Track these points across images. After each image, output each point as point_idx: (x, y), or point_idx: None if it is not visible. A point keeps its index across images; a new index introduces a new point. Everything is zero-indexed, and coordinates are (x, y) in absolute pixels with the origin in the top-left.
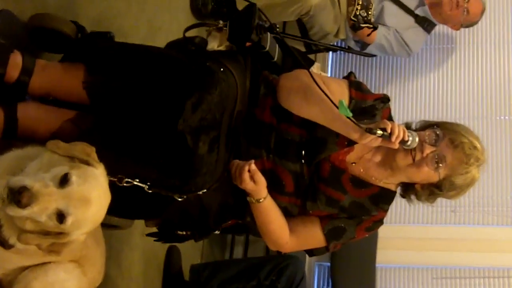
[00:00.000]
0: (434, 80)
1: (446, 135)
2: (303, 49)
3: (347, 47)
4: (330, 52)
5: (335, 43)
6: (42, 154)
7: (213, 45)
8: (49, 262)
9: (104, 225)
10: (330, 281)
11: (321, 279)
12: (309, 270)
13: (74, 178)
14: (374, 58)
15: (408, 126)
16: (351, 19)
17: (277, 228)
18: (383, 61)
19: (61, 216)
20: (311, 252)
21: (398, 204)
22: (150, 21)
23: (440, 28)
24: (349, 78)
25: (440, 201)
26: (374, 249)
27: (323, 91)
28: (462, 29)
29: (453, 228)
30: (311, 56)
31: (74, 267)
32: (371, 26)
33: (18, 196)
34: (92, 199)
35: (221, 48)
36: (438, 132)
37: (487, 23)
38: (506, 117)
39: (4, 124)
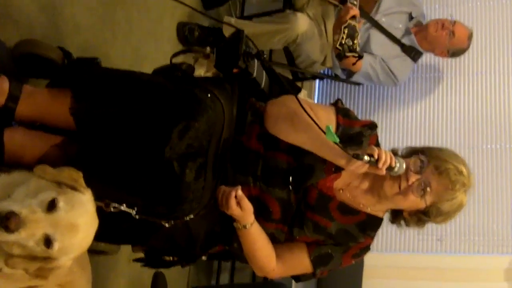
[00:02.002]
0: (421, 108)
1: (431, 162)
2: (290, 77)
3: (333, 75)
4: (317, 80)
5: (322, 71)
6: (29, 179)
7: (200, 71)
8: (35, 287)
9: (91, 251)
10: None
11: None
12: None
13: (61, 204)
14: (361, 86)
15: (394, 153)
16: (336, 48)
17: (264, 254)
18: (369, 89)
19: (48, 242)
20: (298, 278)
21: (384, 231)
22: (136, 49)
23: (427, 57)
24: (336, 104)
25: (427, 229)
26: (359, 277)
27: (310, 117)
28: (449, 59)
29: (439, 257)
30: (298, 84)
31: None
32: (357, 55)
33: (6, 221)
34: (79, 225)
35: (208, 74)
36: (423, 159)
37: (474, 53)
38: (493, 146)
39: None
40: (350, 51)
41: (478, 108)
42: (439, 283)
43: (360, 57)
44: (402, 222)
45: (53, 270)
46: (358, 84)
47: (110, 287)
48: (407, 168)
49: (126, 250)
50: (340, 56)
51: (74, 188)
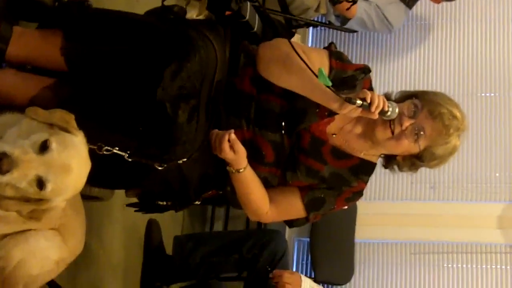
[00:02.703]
0: (415, 56)
1: (425, 106)
2: None
3: (327, 22)
4: (311, 28)
5: (316, 18)
6: (21, 120)
7: (192, 14)
8: (30, 230)
9: (85, 196)
10: (309, 256)
11: (300, 254)
12: (289, 245)
13: (53, 145)
14: (355, 34)
15: (387, 97)
16: None
17: (257, 198)
18: (364, 36)
19: (41, 183)
20: (291, 223)
21: (378, 180)
22: None
23: (422, 4)
24: (330, 48)
25: (420, 177)
26: (353, 224)
27: (302, 60)
28: (443, 5)
29: (432, 204)
30: None
31: (54, 235)
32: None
33: None
34: (72, 166)
35: (200, 17)
36: (416, 104)
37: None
38: (487, 94)
39: None
40: None
41: (473, 56)
42: (432, 229)
43: (354, 2)
44: (395, 167)
45: (47, 211)
46: (353, 31)
47: (104, 234)
48: (401, 112)
49: (120, 197)
50: (334, 1)
51: (66, 130)
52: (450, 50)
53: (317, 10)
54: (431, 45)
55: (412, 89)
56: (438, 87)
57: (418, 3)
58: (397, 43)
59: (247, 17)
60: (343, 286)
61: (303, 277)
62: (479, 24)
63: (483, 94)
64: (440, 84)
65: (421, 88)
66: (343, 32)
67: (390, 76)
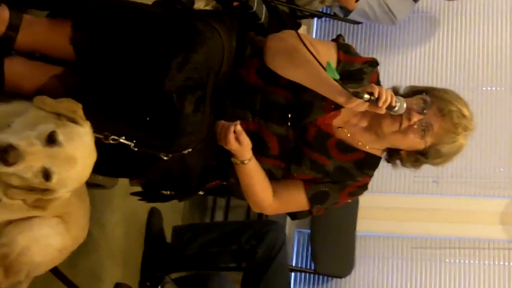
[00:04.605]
0: (421, 49)
1: (434, 103)
2: None
3: (332, 14)
4: (315, 19)
5: (320, 10)
6: (28, 110)
7: (200, 4)
8: (34, 217)
9: (88, 184)
10: (309, 248)
11: (301, 246)
12: (289, 237)
13: (60, 137)
14: (360, 25)
15: (395, 91)
16: None
17: (261, 190)
18: (369, 28)
19: (46, 174)
20: (294, 216)
21: (380, 173)
22: None
23: None
24: (338, 40)
25: (423, 171)
26: (354, 217)
27: (310, 52)
28: None
29: (434, 199)
30: None
31: (58, 223)
32: None
33: (5, 154)
34: (78, 158)
35: (208, 7)
36: (426, 100)
37: None
38: (493, 88)
39: None
40: None
41: (478, 49)
42: (434, 224)
43: None
44: (398, 161)
45: (52, 201)
46: (358, 22)
47: (105, 221)
48: (410, 107)
49: (122, 185)
50: None
51: (73, 120)
52: (455, 42)
53: (322, 1)
54: (436, 37)
55: (416, 81)
56: (442, 80)
57: None
58: (402, 35)
59: (255, 8)
60: (343, 279)
61: None
62: (485, 17)
63: (488, 88)
64: (444, 76)
65: (424, 81)
66: (348, 24)
67: (394, 68)
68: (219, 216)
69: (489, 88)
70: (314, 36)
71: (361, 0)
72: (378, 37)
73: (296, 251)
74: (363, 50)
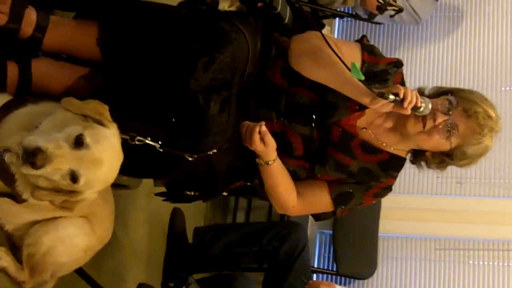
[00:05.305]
0: (442, 49)
1: (460, 104)
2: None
3: (354, 14)
4: (337, 19)
5: (342, 9)
6: (56, 111)
7: (224, 5)
8: (59, 217)
9: (113, 184)
10: (331, 249)
11: (323, 247)
12: (311, 237)
13: (87, 139)
14: (382, 25)
15: (421, 92)
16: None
17: (285, 191)
18: (391, 28)
19: (74, 176)
20: (318, 217)
21: (404, 174)
22: None
23: None
24: (362, 41)
25: (446, 172)
26: (376, 218)
27: (335, 53)
28: None
29: (458, 200)
30: None
31: (83, 223)
32: (397, 8)
33: (33, 157)
34: (104, 160)
35: (232, 8)
36: (451, 100)
37: None
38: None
39: (18, 79)
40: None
41: (500, 48)
42: (457, 225)
43: (400, 10)
44: (423, 163)
45: (79, 202)
46: (379, 23)
47: (129, 221)
48: (435, 108)
49: (146, 186)
50: (381, 9)
51: (99, 122)
52: (477, 42)
53: (344, 2)
54: (458, 37)
55: (437, 81)
56: (464, 79)
57: None
58: (423, 34)
59: (279, 9)
60: (365, 280)
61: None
62: (505, 16)
63: (508, 88)
64: (466, 76)
65: (446, 80)
66: (369, 24)
67: (416, 67)
68: (241, 217)
69: (509, 88)
70: (335, 36)
71: None
72: (399, 37)
73: (318, 252)
74: (385, 50)
